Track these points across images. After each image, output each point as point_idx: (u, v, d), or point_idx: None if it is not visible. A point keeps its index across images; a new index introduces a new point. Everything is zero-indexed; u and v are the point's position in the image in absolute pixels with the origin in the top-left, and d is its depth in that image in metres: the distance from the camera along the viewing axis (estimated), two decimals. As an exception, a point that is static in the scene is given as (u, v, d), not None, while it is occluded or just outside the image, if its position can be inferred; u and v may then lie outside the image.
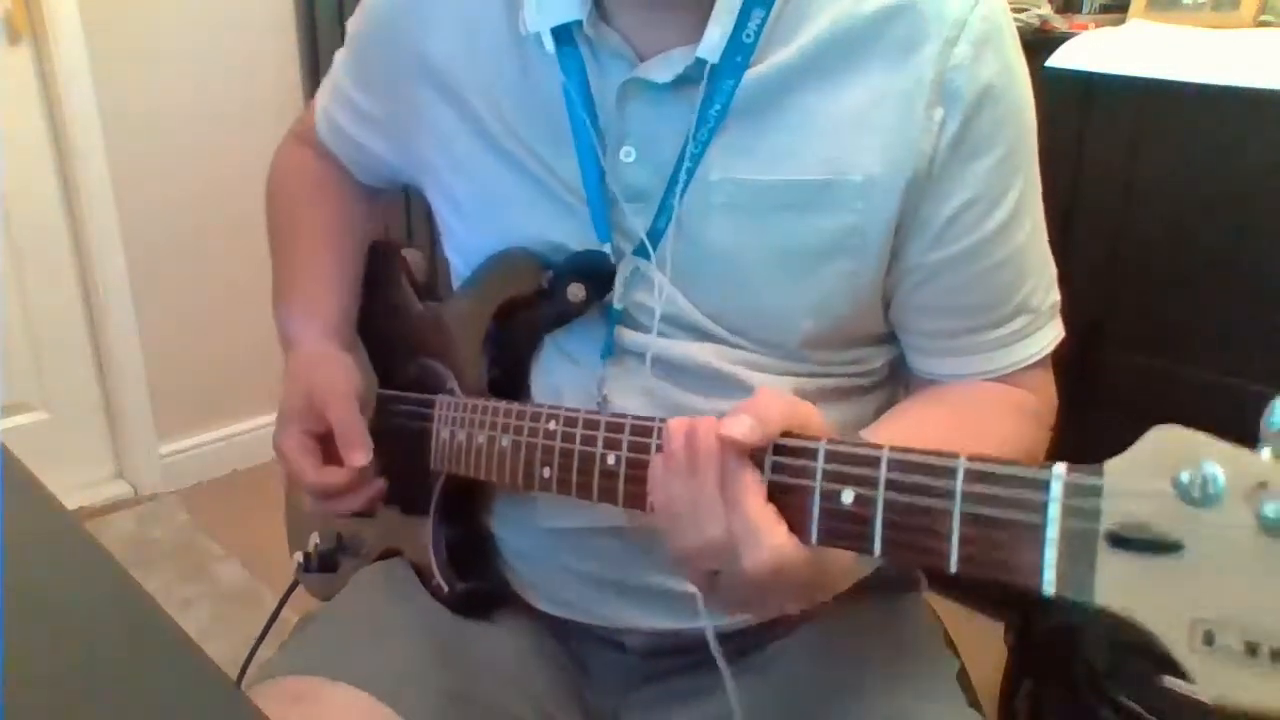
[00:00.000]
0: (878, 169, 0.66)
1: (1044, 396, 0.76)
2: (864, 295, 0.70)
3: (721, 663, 0.66)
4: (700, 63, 0.66)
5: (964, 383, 0.74)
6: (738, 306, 0.70)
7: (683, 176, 0.68)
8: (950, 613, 0.86)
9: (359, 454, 0.78)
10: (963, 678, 0.77)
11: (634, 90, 0.69)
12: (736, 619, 0.76)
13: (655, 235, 0.70)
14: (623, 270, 0.71)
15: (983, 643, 1.26)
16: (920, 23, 0.65)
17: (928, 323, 0.73)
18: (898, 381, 0.81)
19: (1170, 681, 1.03)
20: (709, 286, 0.70)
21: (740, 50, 0.65)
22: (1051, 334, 0.75)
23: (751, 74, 0.66)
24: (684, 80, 0.67)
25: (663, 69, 0.67)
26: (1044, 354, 0.74)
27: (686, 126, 0.67)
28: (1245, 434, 0.41)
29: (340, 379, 0.82)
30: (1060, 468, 0.43)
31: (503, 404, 0.73)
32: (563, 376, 0.75)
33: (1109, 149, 1.43)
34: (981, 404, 0.73)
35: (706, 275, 0.70)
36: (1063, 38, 1.48)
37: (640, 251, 0.70)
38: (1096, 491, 0.42)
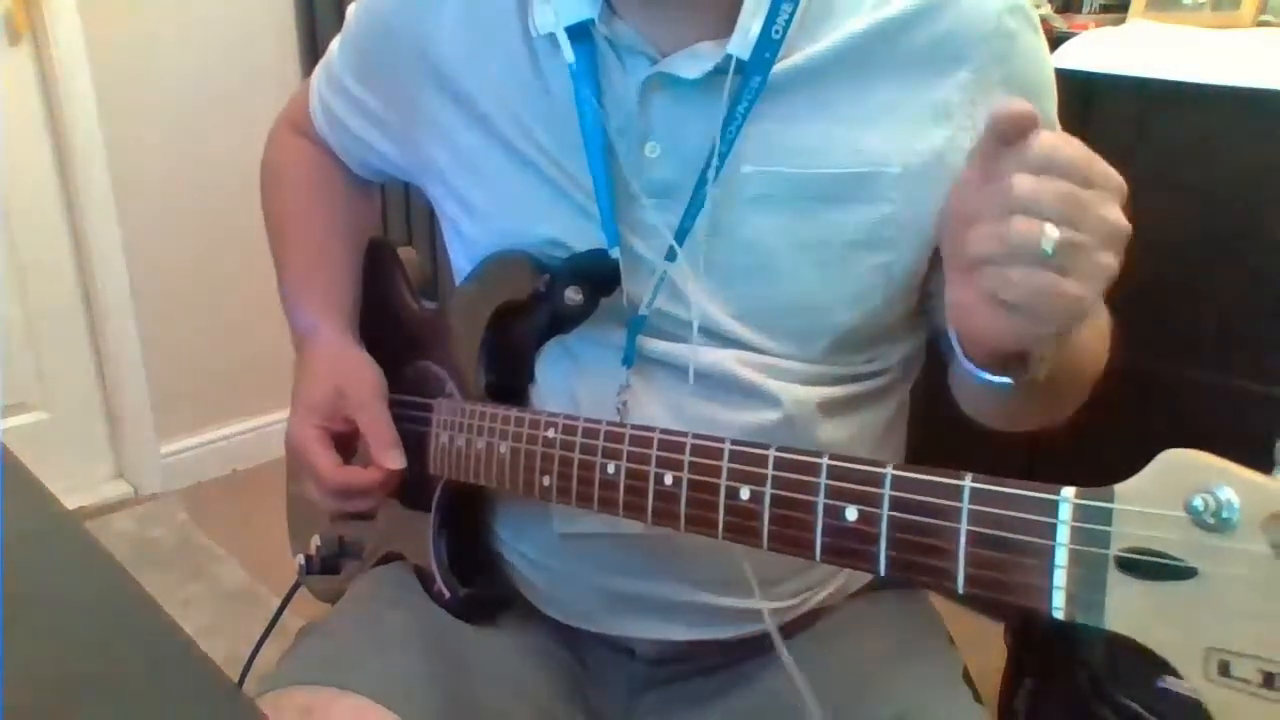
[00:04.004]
0: (916, 161, 0.66)
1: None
2: (899, 286, 0.70)
3: (781, 648, 0.66)
4: (728, 58, 0.65)
5: None
6: (771, 303, 0.70)
7: (712, 171, 0.67)
8: (950, 612, 0.86)
9: (395, 456, 0.78)
10: (966, 675, 0.78)
11: (658, 85, 0.68)
12: (791, 602, 0.77)
13: (682, 233, 0.69)
14: (651, 278, 0.70)
15: (983, 643, 1.25)
16: (956, 16, 0.65)
17: None
18: (910, 379, 0.81)
19: (1170, 681, 1.03)
20: (741, 284, 0.70)
21: (768, 46, 0.65)
22: None
23: (780, 67, 0.66)
24: (711, 74, 0.66)
25: (690, 65, 0.67)
26: None
27: (714, 121, 0.66)
28: (1246, 434, 0.41)
29: (371, 380, 0.82)
30: (1069, 490, 0.43)
31: (500, 409, 0.72)
32: (579, 384, 0.74)
33: (1109, 149, 1.42)
34: None
35: (738, 271, 0.69)
36: (1063, 38, 1.48)
37: (670, 255, 0.69)
38: (1107, 515, 0.41)
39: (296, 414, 0.82)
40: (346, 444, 0.82)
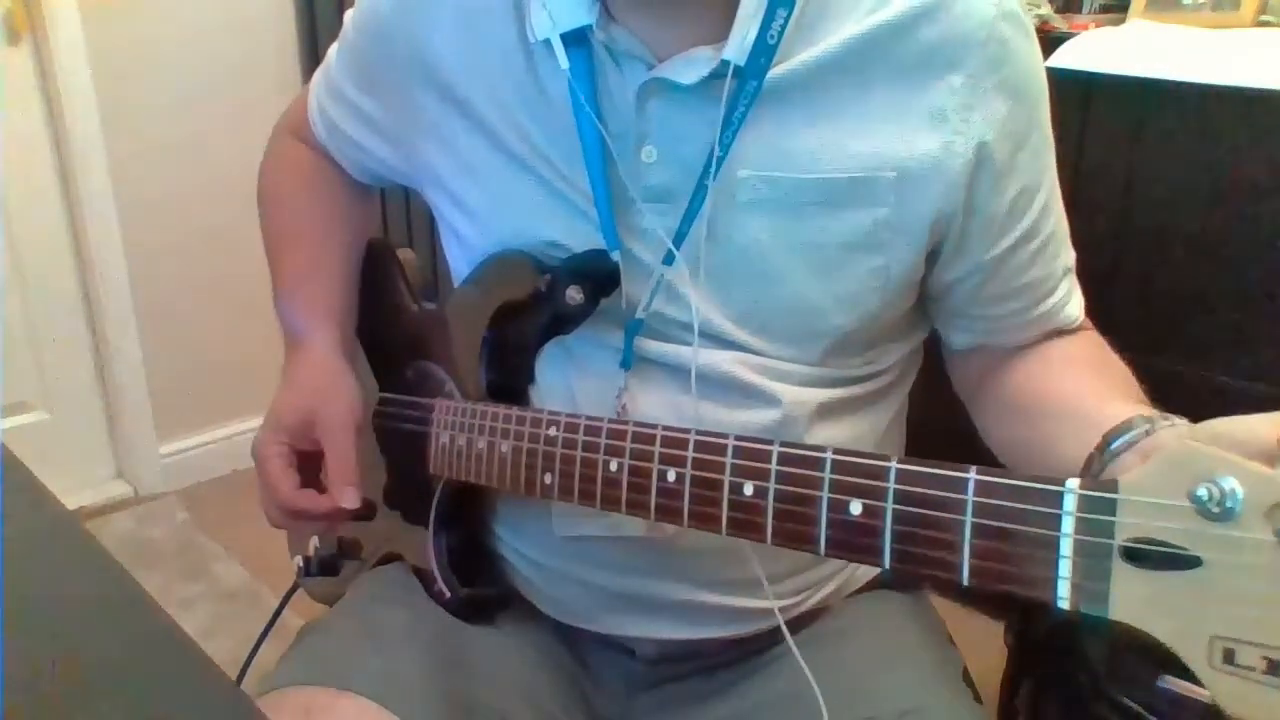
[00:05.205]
0: (912, 165, 0.66)
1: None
2: (895, 289, 0.70)
3: (791, 643, 0.67)
4: (725, 63, 0.65)
5: (1044, 352, 0.75)
6: (768, 306, 0.70)
7: (709, 175, 0.67)
8: (950, 612, 0.87)
9: (350, 495, 0.77)
10: (966, 675, 0.78)
11: (655, 90, 0.68)
12: (791, 601, 0.77)
13: (679, 237, 0.69)
14: (649, 280, 0.70)
15: (983, 643, 1.25)
16: (951, 22, 0.65)
17: (995, 308, 0.74)
18: (909, 380, 0.81)
19: (1170, 681, 1.03)
20: (738, 287, 0.70)
21: (764, 51, 0.65)
22: (1079, 292, 0.78)
23: (776, 72, 0.66)
24: (707, 79, 0.66)
25: (686, 70, 0.67)
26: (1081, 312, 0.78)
27: (710, 125, 0.66)
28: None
29: (344, 409, 0.81)
30: (1073, 481, 0.43)
31: (501, 409, 0.72)
32: (578, 385, 0.74)
33: (1109, 149, 1.42)
34: (1082, 356, 0.75)
35: (736, 275, 0.69)
36: (1063, 38, 1.48)
37: (667, 259, 0.69)
38: (1111, 505, 0.41)
39: (266, 428, 0.82)
40: (315, 463, 0.81)
